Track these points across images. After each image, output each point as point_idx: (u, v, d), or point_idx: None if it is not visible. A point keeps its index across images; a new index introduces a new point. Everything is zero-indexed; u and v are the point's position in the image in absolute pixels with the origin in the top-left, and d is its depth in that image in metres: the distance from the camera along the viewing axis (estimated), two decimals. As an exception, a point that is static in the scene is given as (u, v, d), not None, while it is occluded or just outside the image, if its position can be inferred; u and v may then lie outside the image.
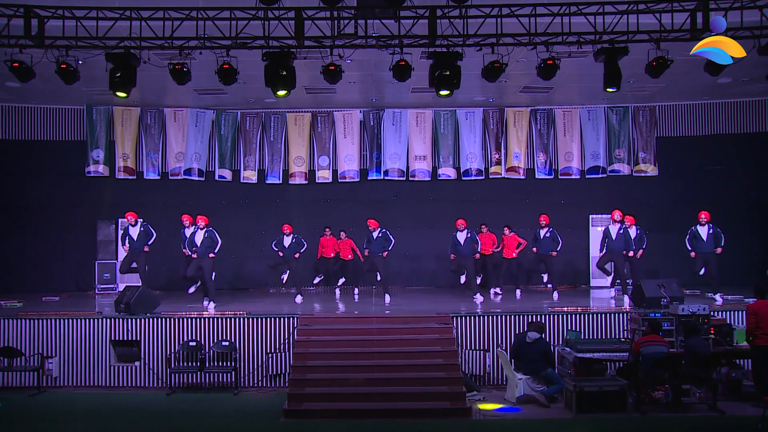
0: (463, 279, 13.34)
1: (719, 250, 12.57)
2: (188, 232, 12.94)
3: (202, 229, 12.49)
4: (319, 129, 16.34)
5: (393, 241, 13.50)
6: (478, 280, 14.10)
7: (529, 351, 9.62)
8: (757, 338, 8.92)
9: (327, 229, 14.93)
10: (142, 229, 12.69)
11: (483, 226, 14.54)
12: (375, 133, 16.31)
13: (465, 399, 9.26)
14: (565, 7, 10.27)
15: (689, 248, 12.75)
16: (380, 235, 13.39)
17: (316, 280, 14.81)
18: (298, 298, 13.27)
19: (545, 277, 13.85)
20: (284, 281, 13.49)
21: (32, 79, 10.94)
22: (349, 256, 14.88)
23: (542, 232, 13.47)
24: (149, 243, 12.76)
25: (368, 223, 13.58)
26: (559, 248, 13.43)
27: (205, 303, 12.18)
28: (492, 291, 14.26)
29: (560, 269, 15.70)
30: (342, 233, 14.96)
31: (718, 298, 12.16)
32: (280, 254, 13.31)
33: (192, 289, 12.75)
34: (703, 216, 12.76)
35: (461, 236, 13.30)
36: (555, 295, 13.38)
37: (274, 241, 13.43)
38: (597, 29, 10.34)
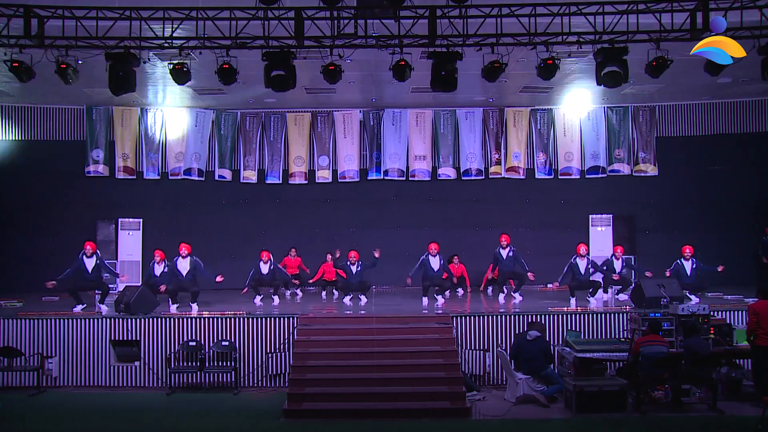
0: (441, 300, 13.17)
1: (720, 268, 12.70)
2: (158, 269, 12.42)
3: (185, 257, 12.33)
4: (319, 129, 16.34)
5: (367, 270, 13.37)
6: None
7: (529, 349, 9.62)
8: (758, 338, 8.90)
9: (293, 250, 14.85)
10: (97, 262, 12.11)
11: (455, 258, 14.50)
12: (375, 133, 16.31)
13: (465, 399, 9.26)
14: (565, 7, 10.26)
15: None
16: (360, 269, 13.24)
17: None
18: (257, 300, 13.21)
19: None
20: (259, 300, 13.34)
21: (32, 79, 10.93)
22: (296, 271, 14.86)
23: (504, 253, 13.27)
24: (105, 276, 12.42)
25: (349, 255, 13.37)
26: (526, 270, 13.10)
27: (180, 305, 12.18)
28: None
29: (559, 269, 15.73)
30: (293, 251, 14.82)
31: (694, 298, 12.19)
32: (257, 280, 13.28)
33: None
34: (687, 251, 12.81)
35: (434, 262, 13.05)
36: (517, 297, 13.06)
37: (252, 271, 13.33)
38: (597, 29, 10.34)
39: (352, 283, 13.33)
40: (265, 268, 13.36)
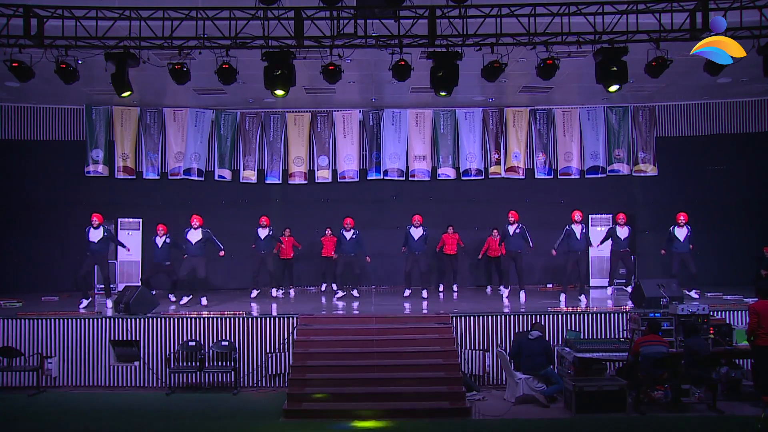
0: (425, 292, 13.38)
1: (690, 246, 12.98)
2: (159, 241, 12.78)
3: (196, 228, 12.58)
4: (318, 129, 16.35)
5: (363, 246, 13.60)
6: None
7: (531, 347, 9.63)
8: (758, 338, 8.90)
9: (287, 230, 15.07)
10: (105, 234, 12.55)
11: (449, 228, 14.71)
12: (375, 133, 16.31)
13: (465, 399, 9.26)
14: (564, 7, 10.26)
15: (663, 249, 13.18)
16: (354, 236, 13.46)
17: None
18: (278, 293, 13.49)
19: (503, 290, 13.74)
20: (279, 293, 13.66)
21: (32, 79, 10.93)
22: (290, 255, 15.11)
23: (511, 229, 13.41)
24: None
25: (345, 222, 13.58)
26: (530, 246, 13.37)
27: (184, 299, 12.24)
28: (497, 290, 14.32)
29: (558, 269, 15.73)
30: (287, 231, 15.07)
31: (693, 294, 12.21)
32: (255, 247, 13.79)
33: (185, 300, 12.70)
34: (681, 217, 13.02)
35: (416, 233, 13.50)
36: (522, 295, 13.12)
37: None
38: (596, 29, 10.34)
39: (346, 253, 13.50)
40: (263, 233, 13.72)
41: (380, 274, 16.08)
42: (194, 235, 12.56)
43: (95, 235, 12.37)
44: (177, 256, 12.99)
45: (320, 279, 15.62)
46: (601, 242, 13.62)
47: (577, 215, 13.08)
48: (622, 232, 13.22)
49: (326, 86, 11.79)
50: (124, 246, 13.33)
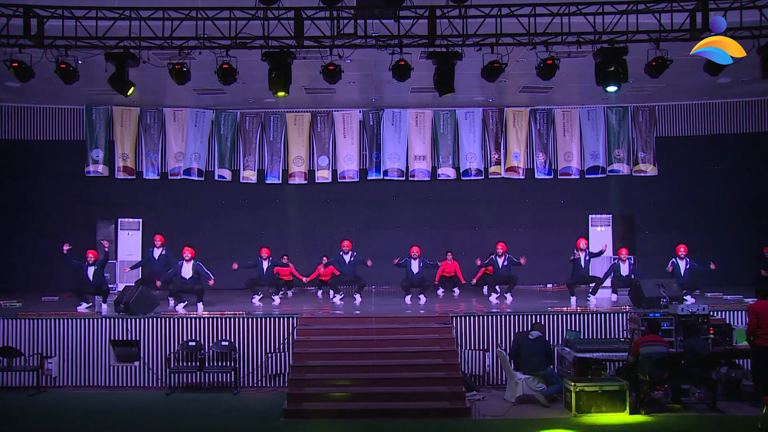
0: (423, 298, 13.32)
1: (713, 265, 12.71)
2: (157, 252, 12.68)
3: (188, 261, 12.36)
4: (318, 129, 16.35)
5: (367, 262, 13.45)
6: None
7: (531, 347, 9.62)
8: (758, 338, 8.91)
9: (284, 257, 14.79)
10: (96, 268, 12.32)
11: (448, 254, 14.51)
12: (375, 133, 16.31)
13: (465, 399, 9.26)
14: (564, 7, 10.26)
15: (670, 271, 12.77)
16: (353, 259, 13.40)
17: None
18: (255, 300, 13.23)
19: (493, 296, 13.39)
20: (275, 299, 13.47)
21: (32, 79, 10.93)
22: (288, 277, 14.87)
23: (500, 261, 13.27)
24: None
25: (342, 245, 13.47)
26: (521, 262, 13.21)
27: (180, 306, 12.08)
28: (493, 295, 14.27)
29: (559, 269, 15.73)
30: (285, 258, 14.75)
31: (689, 298, 12.13)
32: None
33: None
34: (681, 250, 12.78)
35: (414, 265, 13.46)
36: (508, 296, 13.06)
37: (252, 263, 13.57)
38: (596, 29, 10.34)
39: (345, 275, 13.46)
40: (265, 265, 13.54)
41: (380, 274, 16.07)
42: (187, 270, 12.34)
43: (91, 271, 12.21)
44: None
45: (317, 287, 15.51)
46: (604, 278, 13.22)
47: (582, 243, 13.02)
48: (624, 269, 13.03)
49: (326, 86, 11.79)
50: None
